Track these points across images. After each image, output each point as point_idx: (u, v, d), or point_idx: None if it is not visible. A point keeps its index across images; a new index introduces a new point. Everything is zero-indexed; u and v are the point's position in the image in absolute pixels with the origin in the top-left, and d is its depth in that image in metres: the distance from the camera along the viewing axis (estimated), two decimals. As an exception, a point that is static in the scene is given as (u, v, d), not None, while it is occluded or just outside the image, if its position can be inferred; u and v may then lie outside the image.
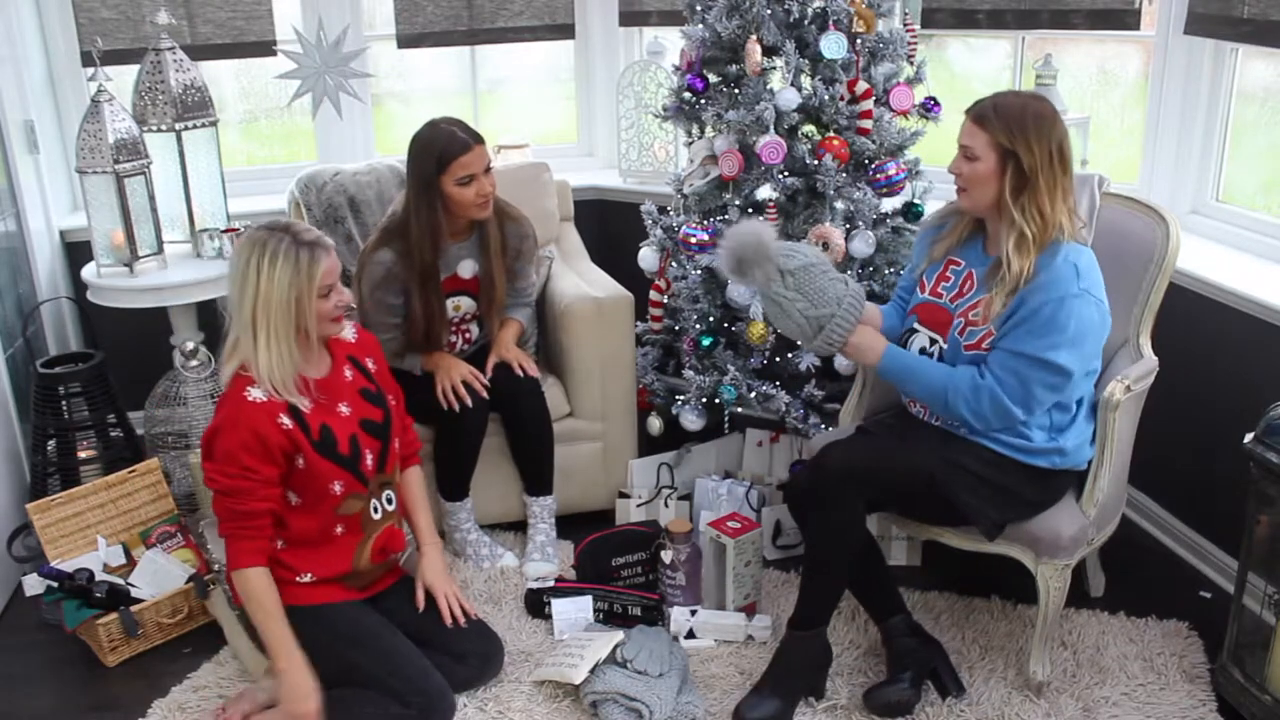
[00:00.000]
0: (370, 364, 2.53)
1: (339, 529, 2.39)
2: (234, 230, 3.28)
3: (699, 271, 3.07)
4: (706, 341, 3.09)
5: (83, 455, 3.11)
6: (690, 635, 2.70)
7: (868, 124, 2.97)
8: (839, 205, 3.01)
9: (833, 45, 2.91)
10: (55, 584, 2.68)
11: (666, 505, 3.13)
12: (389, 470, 2.48)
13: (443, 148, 2.80)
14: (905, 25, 3.11)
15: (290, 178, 3.50)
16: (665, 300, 3.30)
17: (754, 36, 2.92)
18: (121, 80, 3.37)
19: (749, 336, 2.99)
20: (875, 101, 3.00)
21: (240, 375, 2.28)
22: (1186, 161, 3.18)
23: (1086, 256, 2.30)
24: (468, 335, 3.14)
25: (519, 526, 3.18)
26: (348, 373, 2.45)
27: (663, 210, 3.31)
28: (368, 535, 2.44)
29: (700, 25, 3.05)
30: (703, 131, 3.20)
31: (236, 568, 2.28)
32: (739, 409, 3.10)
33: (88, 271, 3.26)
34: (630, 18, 4.06)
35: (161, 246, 3.25)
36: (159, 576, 2.81)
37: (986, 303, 2.32)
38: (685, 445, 3.28)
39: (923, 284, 2.51)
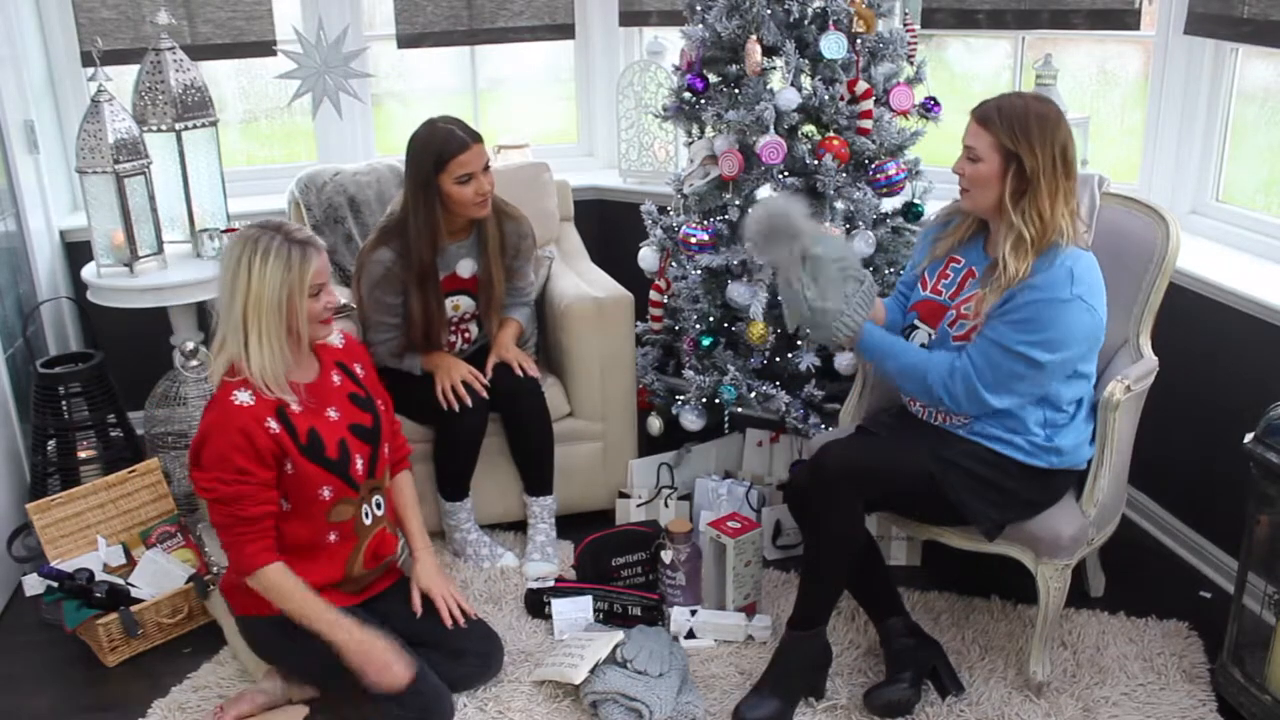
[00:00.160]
0: (358, 369, 2.52)
1: (332, 536, 2.37)
2: (234, 230, 3.28)
3: (699, 271, 3.07)
4: (706, 341, 3.09)
5: (83, 455, 3.11)
6: (690, 635, 2.70)
7: (868, 124, 2.97)
8: (839, 205, 3.01)
9: (833, 45, 2.91)
10: (55, 584, 2.68)
11: (666, 505, 3.13)
12: (379, 475, 2.47)
13: (441, 146, 2.80)
14: (905, 25, 3.11)
15: (290, 178, 3.50)
16: (665, 300, 3.30)
17: (754, 36, 2.92)
18: (121, 80, 3.37)
19: (749, 336, 2.99)
20: (875, 101, 3.00)
21: (226, 381, 2.27)
22: (1186, 161, 3.18)
23: (1085, 262, 2.29)
24: (467, 335, 3.14)
25: (519, 526, 3.18)
26: (335, 378, 2.44)
27: (663, 210, 3.31)
28: (361, 541, 2.43)
29: (700, 25, 3.05)
30: (703, 131, 3.20)
31: (252, 570, 2.27)
32: (739, 409, 3.10)
33: (88, 271, 3.26)
34: (630, 18, 4.06)
35: (161, 246, 3.25)
36: (159, 576, 2.81)
37: (979, 299, 2.33)
38: (685, 445, 3.28)
39: (924, 281, 2.51)
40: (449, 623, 2.50)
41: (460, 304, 3.06)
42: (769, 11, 2.92)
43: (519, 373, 3.02)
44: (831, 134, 2.97)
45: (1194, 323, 2.89)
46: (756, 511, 3.04)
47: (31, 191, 3.41)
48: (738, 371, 3.03)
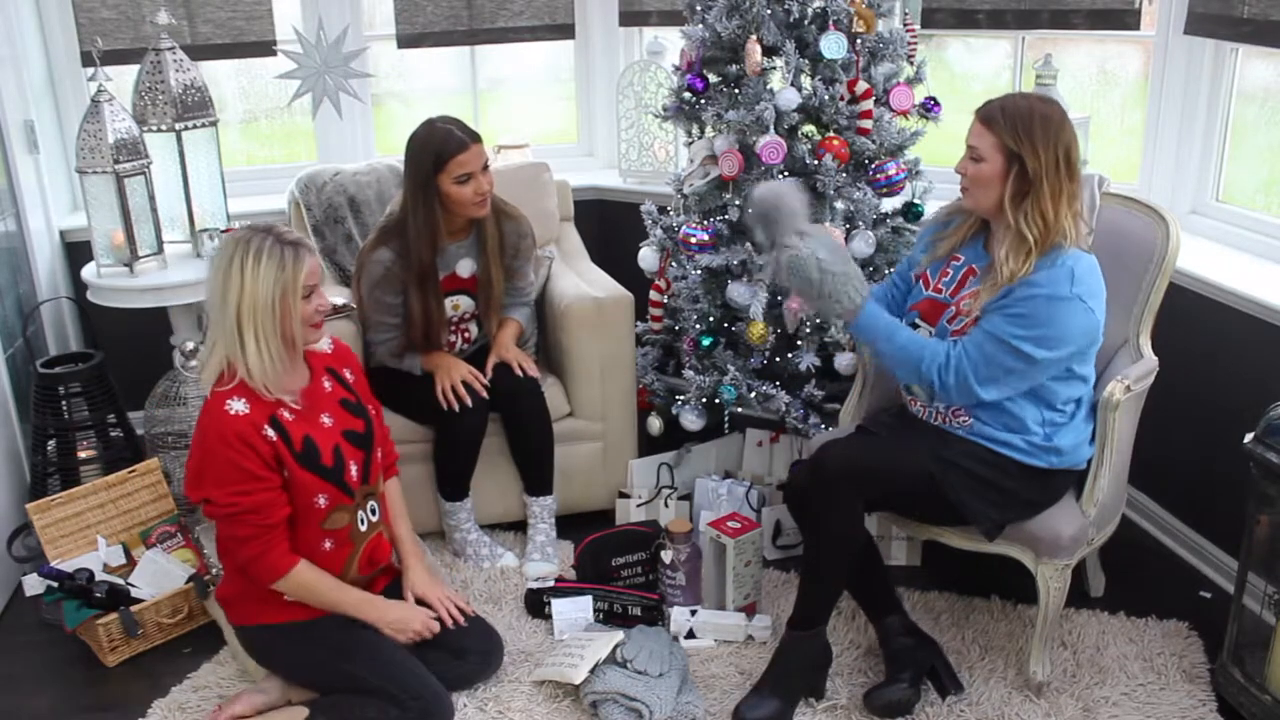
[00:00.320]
0: (348, 374, 2.50)
1: (327, 544, 2.37)
2: (234, 230, 3.28)
3: (699, 271, 3.07)
4: (706, 341, 3.09)
5: (83, 455, 3.11)
6: (690, 635, 2.70)
7: (868, 124, 2.97)
8: (839, 205, 3.01)
9: (833, 45, 2.91)
10: (55, 584, 2.68)
11: (666, 505, 3.13)
12: (373, 481, 2.46)
13: (440, 146, 2.80)
14: (905, 25, 3.11)
15: (290, 178, 3.50)
16: (665, 300, 3.30)
17: (754, 36, 2.92)
18: (121, 80, 3.37)
19: (749, 336, 2.99)
20: (875, 101, 3.00)
21: (217, 393, 2.24)
22: (1186, 161, 3.18)
23: (1086, 263, 2.29)
24: (467, 335, 3.14)
25: (519, 526, 3.18)
26: (326, 384, 2.43)
27: (663, 210, 3.31)
28: (356, 547, 2.42)
29: (700, 25, 3.05)
30: (703, 131, 3.20)
31: (283, 574, 2.28)
32: (739, 409, 3.10)
33: (88, 271, 3.26)
34: (630, 18, 4.06)
35: (161, 246, 3.25)
36: (159, 576, 2.81)
37: (976, 295, 2.33)
38: (685, 445, 3.28)
39: (926, 280, 2.51)
40: (450, 623, 2.50)
41: (460, 304, 3.06)
42: (769, 11, 2.92)
43: (519, 373, 3.02)
44: (831, 134, 2.97)
45: (1194, 323, 2.89)
46: (756, 511, 3.04)
47: (31, 191, 3.41)
48: (738, 371, 3.03)
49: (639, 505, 3.15)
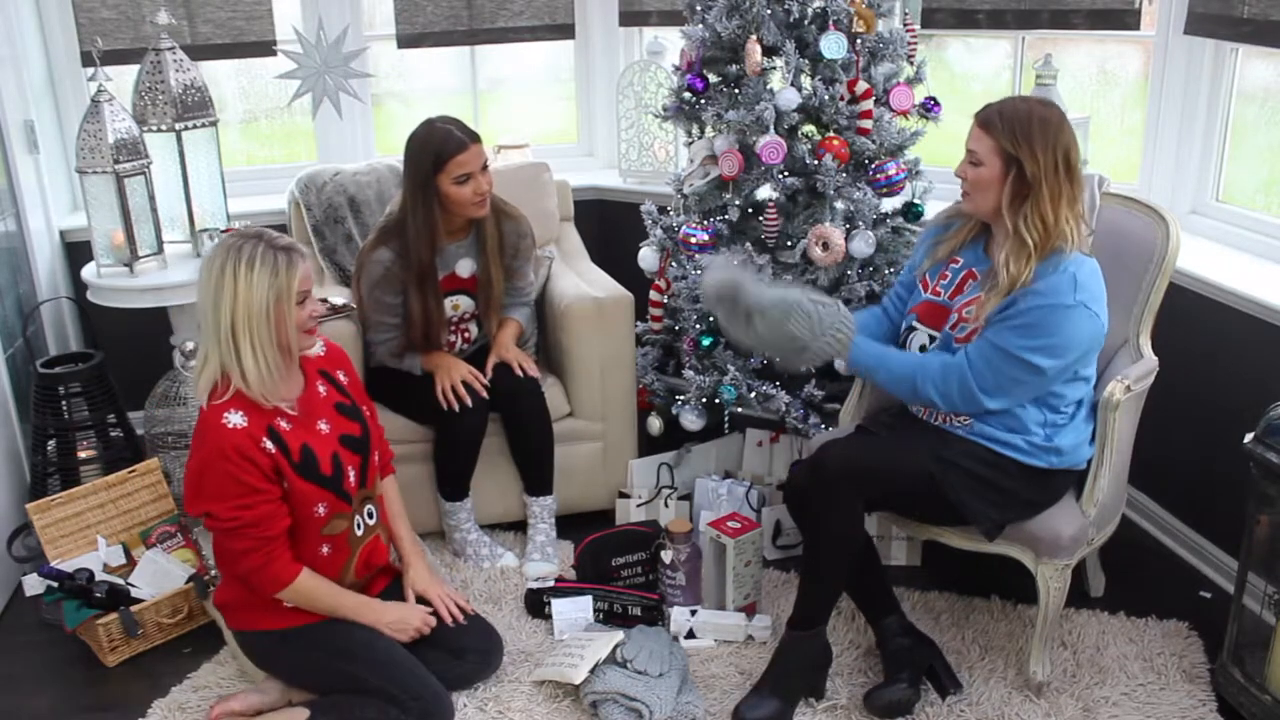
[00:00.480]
0: (341, 377, 2.48)
1: (325, 549, 2.36)
2: (233, 229, 3.27)
3: (699, 271, 3.07)
4: (706, 341, 3.09)
5: (83, 455, 3.11)
6: (690, 635, 2.70)
7: (868, 124, 2.97)
8: (839, 205, 3.01)
9: (833, 45, 2.91)
10: (55, 584, 2.68)
11: (666, 505, 3.13)
12: (370, 485, 2.46)
13: (439, 146, 2.80)
14: (905, 25, 3.11)
15: (290, 178, 3.50)
16: (665, 300, 3.30)
17: (754, 36, 2.92)
18: (121, 80, 3.37)
19: (749, 336, 2.98)
20: (875, 101, 2.99)
21: (213, 406, 2.21)
22: (1186, 161, 3.18)
23: (1088, 268, 2.29)
24: (467, 335, 3.14)
25: (519, 526, 3.18)
26: (321, 388, 2.41)
27: (663, 210, 3.31)
28: (353, 551, 2.42)
29: (700, 25, 3.05)
30: (703, 131, 3.20)
31: (286, 584, 2.27)
32: (739, 409, 3.09)
33: (88, 271, 3.26)
34: (630, 18, 4.06)
35: (161, 246, 3.25)
36: (159, 576, 2.81)
37: (980, 303, 2.33)
38: (685, 445, 3.28)
39: (924, 283, 2.51)
40: (450, 621, 2.50)
41: (460, 304, 3.06)
42: (769, 11, 2.92)
43: (519, 373, 3.02)
44: (831, 134, 2.97)
45: (1194, 323, 2.89)
46: (756, 511, 3.04)
47: (31, 191, 3.41)
48: (738, 371, 3.03)
49: (639, 505, 3.15)
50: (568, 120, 4.35)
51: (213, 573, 2.84)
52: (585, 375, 3.16)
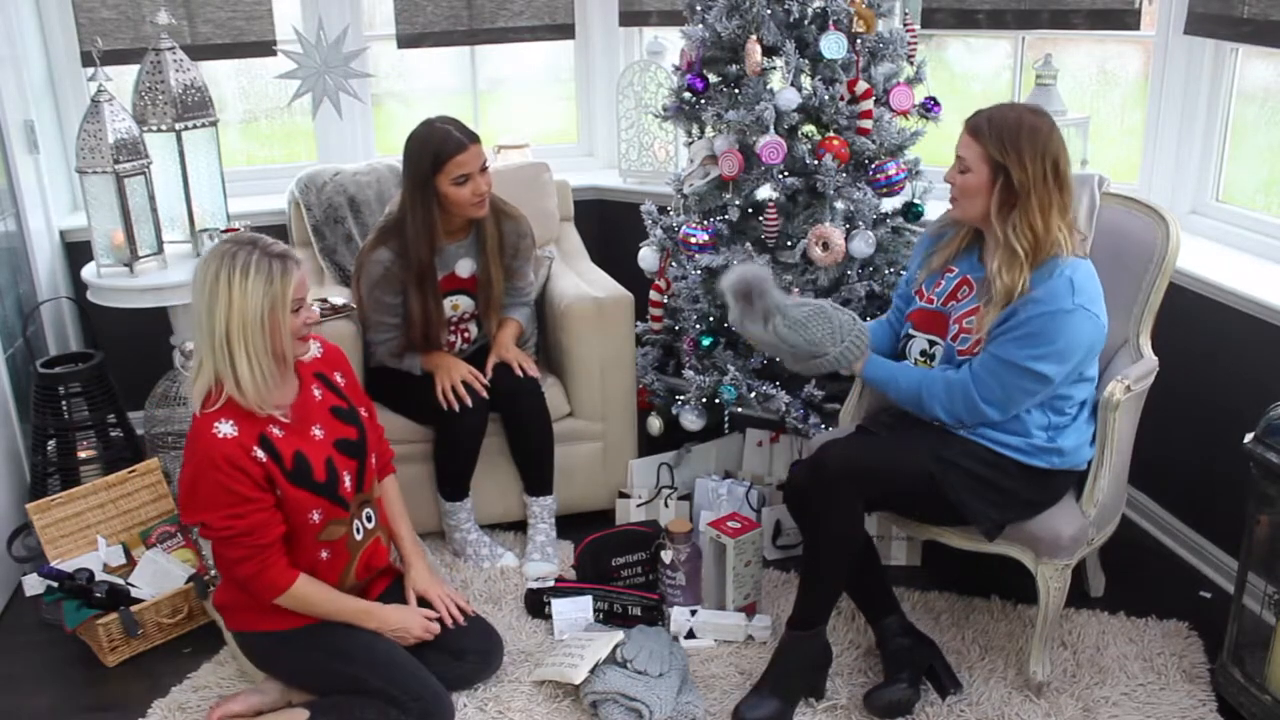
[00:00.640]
0: (338, 378, 2.46)
1: (323, 554, 2.35)
2: (234, 230, 3.28)
3: (699, 271, 3.07)
4: (706, 341, 3.09)
5: (83, 455, 3.11)
6: (690, 635, 2.70)
7: (868, 124, 2.97)
8: (839, 205, 3.01)
9: (833, 45, 2.91)
10: (55, 584, 2.68)
11: (666, 505, 3.13)
12: (367, 489, 2.44)
13: (438, 147, 2.80)
14: (905, 25, 3.11)
15: (290, 178, 3.50)
16: (665, 300, 3.30)
17: (754, 36, 2.92)
18: (121, 80, 3.37)
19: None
20: (875, 101, 3.00)
21: (205, 414, 2.20)
22: (1186, 161, 3.17)
23: (1083, 271, 2.29)
24: (467, 335, 3.14)
25: (519, 526, 3.18)
26: (316, 392, 2.39)
27: (663, 210, 3.31)
28: (353, 556, 2.41)
29: (700, 25, 3.05)
30: (703, 131, 3.20)
31: (283, 591, 2.27)
32: (739, 409, 3.10)
33: (88, 271, 3.26)
34: (630, 18, 4.06)
35: (161, 246, 3.25)
36: (159, 576, 2.81)
37: (979, 315, 2.33)
38: (685, 445, 3.28)
39: (920, 291, 2.52)
40: (450, 623, 2.50)
41: (459, 304, 3.06)
42: (769, 11, 2.92)
43: (519, 373, 3.02)
44: (831, 134, 2.97)
45: (1194, 323, 2.89)
46: (756, 511, 3.04)
47: (31, 191, 3.41)
48: (738, 371, 3.03)
49: (639, 505, 3.15)
50: (568, 120, 4.35)
51: (212, 573, 2.84)
52: (585, 375, 3.16)
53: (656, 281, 3.33)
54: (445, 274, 2.99)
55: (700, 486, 3.15)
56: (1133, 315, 2.58)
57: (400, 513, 2.61)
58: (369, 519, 2.45)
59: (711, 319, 3.09)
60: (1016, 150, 2.24)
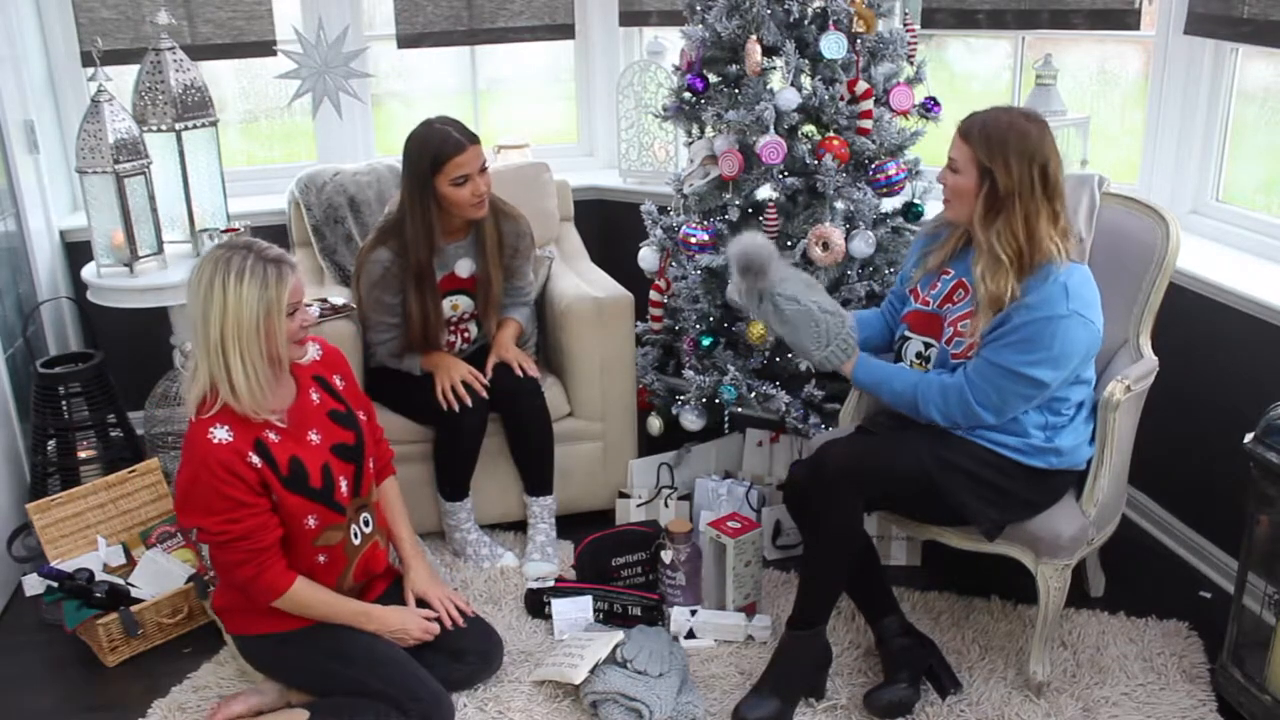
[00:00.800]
0: (337, 381, 2.45)
1: (321, 558, 2.34)
2: (234, 230, 3.28)
3: (699, 271, 3.07)
4: (706, 341, 3.09)
5: (83, 455, 3.11)
6: (690, 635, 2.70)
7: (868, 124, 2.97)
8: (839, 205, 3.01)
9: (833, 45, 2.91)
10: (55, 584, 2.68)
11: (666, 505, 3.13)
12: (365, 493, 2.44)
13: (437, 148, 2.80)
14: (905, 25, 3.11)
15: (290, 178, 3.50)
16: (665, 300, 3.30)
17: (754, 36, 2.92)
18: (121, 80, 3.37)
19: (749, 336, 2.99)
20: (875, 101, 3.00)
21: (201, 419, 2.19)
22: (1186, 161, 3.17)
23: (1078, 276, 2.28)
24: (466, 335, 3.14)
25: (519, 526, 3.18)
26: (314, 396, 2.38)
27: (663, 210, 3.31)
28: (350, 560, 2.40)
29: (700, 25, 3.05)
30: (703, 131, 3.20)
31: (280, 594, 2.26)
32: (739, 409, 3.10)
33: (88, 271, 3.26)
34: (630, 18, 4.06)
35: (161, 246, 3.25)
36: (159, 576, 2.81)
37: (973, 319, 2.32)
38: (685, 445, 3.28)
39: (916, 292, 2.52)
40: (449, 624, 2.49)
41: (459, 304, 3.06)
42: (769, 11, 2.92)
43: (519, 373, 3.02)
44: (831, 134, 2.97)
45: (1194, 323, 2.89)
46: (756, 511, 3.04)
47: (31, 191, 3.41)
48: (738, 371, 3.03)
49: (639, 505, 3.15)
50: (568, 120, 4.35)
51: (212, 573, 2.84)
52: (585, 375, 3.16)
53: (656, 281, 3.33)
54: (445, 274, 2.99)
55: (700, 486, 3.15)
56: (1133, 315, 2.58)
57: (400, 514, 2.61)
58: (366, 523, 2.44)
59: (711, 319, 3.09)
60: (1003, 155, 2.23)
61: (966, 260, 2.43)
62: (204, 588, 2.76)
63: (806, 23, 2.97)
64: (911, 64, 3.11)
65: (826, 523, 2.36)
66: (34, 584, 2.90)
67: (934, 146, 3.16)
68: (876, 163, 3.02)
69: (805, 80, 3.02)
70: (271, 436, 2.25)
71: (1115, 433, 2.39)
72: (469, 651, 2.52)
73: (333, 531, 2.34)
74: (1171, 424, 2.89)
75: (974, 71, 4.22)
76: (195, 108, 3.27)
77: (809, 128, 3.07)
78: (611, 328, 3.15)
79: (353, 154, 3.90)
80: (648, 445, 3.31)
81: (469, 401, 2.91)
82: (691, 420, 3.11)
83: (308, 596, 2.31)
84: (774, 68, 2.99)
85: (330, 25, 3.68)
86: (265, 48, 3.74)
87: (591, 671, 2.45)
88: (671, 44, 3.80)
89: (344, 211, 3.42)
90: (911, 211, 3.15)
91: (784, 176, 2.98)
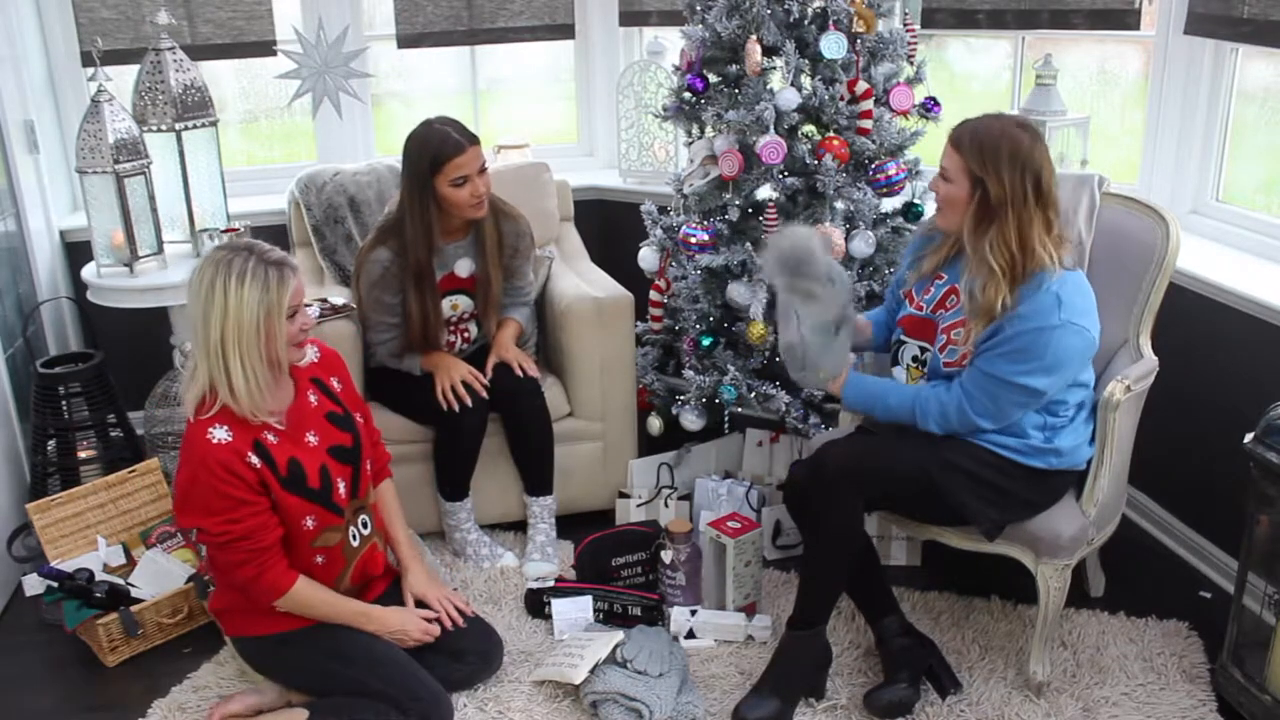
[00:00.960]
0: (335, 384, 2.45)
1: (319, 559, 2.34)
2: (234, 230, 3.28)
3: (699, 271, 3.07)
4: (706, 341, 3.09)
5: (83, 455, 3.11)
6: (690, 635, 2.70)
7: (868, 124, 2.97)
8: (839, 205, 3.01)
9: (833, 45, 2.91)
10: (55, 584, 2.68)
11: (666, 505, 3.13)
12: (363, 495, 2.43)
13: (436, 149, 2.80)
14: (905, 25, 3.11)
15: (290, 178, 3.50)
16: (665, 300, 3.30)
17: (754, 36, 2.92)
18: (121, 80, 3.37)
19: (749, 336, 2.99)
20: (875, 101, 3.00)
21: (200, 420, 2.19)
22: (1186, 161, 3.17)
23: (1071, 284, 2.27)
24: (466, 335, 3.14)
25: (519, 526, 3.18)
26: (312, 398, 2.38)
27: (663, 210, 3.31)
28: (349, 562, 2.40)
29: (700, 25, 3.05)
30: (703, 131, 3.20)
31: (282, 594, 2.26)
32: (739, 409, 3.10)
33: (88, 271, 3.26)
34: (630, 18, 4.06)
35: (161, 246, 3.25)
36: (159, 576, 2.81)
37: (967, 328, 2.32)
38: (685, 445, 3.28)
39: (910, 297, 2.51)
40: (449, 625, 2.49)
41: (459, 304, 3.06)
42: (769, 11, 2.92)
43: (519, 373, 3.02)
44: (831, 134, 2.97)
45: (1194, 323, 2.89)
46: (756, 511, 3.04)
47: (31, 191, 3.41)
48: (738, 371, 3.03)
49: (639, 505, 3.15)
50: (568, 120, 4.35)
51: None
52: (585, 375, 3.16)
53: (656, 281, 3.33)
54: (444, 274, 2.99)
55: (700, 486, 3.15)
56: (1133, 315, 2.58)
57: (396, 516, 2.61)
58: (365, 525, 2.44)
59: (711, 319, 3.09)
60: (995, 164, 2.22)
61: (959, 266, 2.43)
62: (204, 588, 2.76)
63: (806, 23, 2.97)
64: (911, 64, 3.11)
65: (826, 523, 2.36)
66: (34, 584, 2.90)
67: (934, 146, 3.14)
68: (876, 163, 3.02)
69: (805, 80, 3.02)
70: (270, 438, 2.25)
71: (1115, 433, 2.39)
72: (469, 651, 2.52)
73: (331, 533, 2.34)
74: (1171, 424, 2.89)
75: (974, 71, 4.22)
76: (195, 108, 3.27)
77: (809, 128, 3.07)
78: (611, 328, 3.15)
79: (353, 154, 3.90)
80: (648, 445, 3.31)
81: (469, 401, 2.91)
82: (691, 420, 3.11)
83: (309, 596, 2.31)
84: (774, 68, 2.99)
85: (330, 25, 3.68)
86: (265, 48, 3.74)
87: (591, 671, 2.45)
88: (671, 44, 3.80)
89: (344, 211, 3.42)
90: (911, 211, 3.15)
91: (784, 176, 2.98)
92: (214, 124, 3.34)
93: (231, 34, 3.72)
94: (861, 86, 2.94)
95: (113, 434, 3.18)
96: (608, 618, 2.76)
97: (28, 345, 3.24)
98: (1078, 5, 3.28)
